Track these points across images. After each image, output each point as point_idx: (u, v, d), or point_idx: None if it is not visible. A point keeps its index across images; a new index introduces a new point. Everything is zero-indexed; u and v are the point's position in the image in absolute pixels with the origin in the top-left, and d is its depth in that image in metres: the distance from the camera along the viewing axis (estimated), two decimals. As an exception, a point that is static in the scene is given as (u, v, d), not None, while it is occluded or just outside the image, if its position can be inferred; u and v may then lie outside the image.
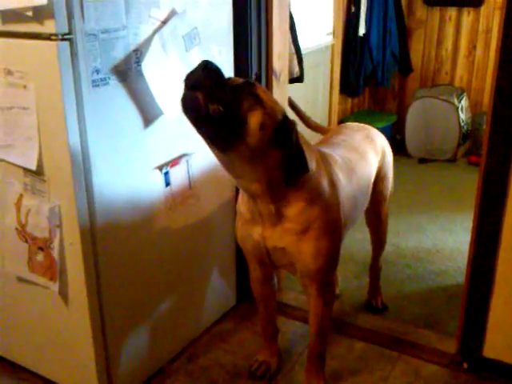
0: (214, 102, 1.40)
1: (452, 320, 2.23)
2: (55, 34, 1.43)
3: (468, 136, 4.37)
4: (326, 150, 1.86)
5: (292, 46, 3.04)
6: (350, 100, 4.44)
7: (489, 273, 1.87)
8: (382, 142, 2.16)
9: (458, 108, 4.19)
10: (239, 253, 2.17)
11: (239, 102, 1.43)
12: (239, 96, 1.43)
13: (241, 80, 1.50)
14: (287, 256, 1.70)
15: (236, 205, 1.80)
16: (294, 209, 1.62)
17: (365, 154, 2.01)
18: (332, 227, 1.69)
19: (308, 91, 3.69)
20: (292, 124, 1.54)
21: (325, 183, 1.66)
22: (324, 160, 1.72)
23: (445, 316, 2.35)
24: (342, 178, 1.78)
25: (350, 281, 2.63)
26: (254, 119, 1.45)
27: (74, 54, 1.48)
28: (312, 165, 1.61)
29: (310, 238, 1.65)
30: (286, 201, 1.61)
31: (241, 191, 1.71)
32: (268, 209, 1.62)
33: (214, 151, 1.55)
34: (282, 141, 1.52)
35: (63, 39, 1.45)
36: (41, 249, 1.69)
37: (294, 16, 3.01)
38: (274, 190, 1.58)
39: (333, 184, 1.70)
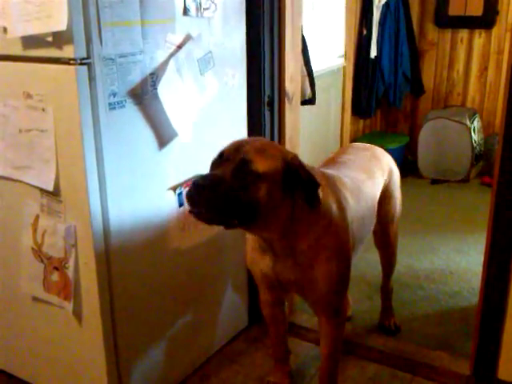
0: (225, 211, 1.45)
1: (466, 341, 2.21)
2: (74, 59, 1.47)
3: (481, 157, 4.37)
4: (332, 171, 1.87)
5: (304, 69, 3.08)
6: (361, 121, 4.46)
7: (502, 294, 1.86)
8: (388, 162, 2.17)
9: (470, 129, 4.19)
10: (251, 274, 2.18)
11: (244, 192, 1.45)
12: (241, 188, 1.45)
13: (234, 162, 1.48)
14: (298, 285, 1.71)
15: None
16: (307, 242, 1.62)
17: (371, 174, 2.01)
18: (342, 252, 1.70)
19: (320, 113, 3.72)
20: (296, 162, 1.53)
21: (334, 208, 1.67)
22: (331, 183, 1.73)
23: (458, 337, 2.32)
24: (350, 199, 1.78)
25: (362, 302, 2.61)
26: (262, 193, 1.47)
27: (91, 78, 1.52)
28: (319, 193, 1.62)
29: (321, 266, 1.65)
30: (298, 235, 1.61)
31: None
32: (281, 246, 1.63)
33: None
34: (294, 182, 1.52)
35: (81, 63, 1.49)
36: (56, 268, 1.71)
37: (306, 38, 3.05)
38: (288, 230, 1.59)
39: (341, 207, 1.71)
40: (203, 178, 1.46)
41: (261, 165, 1.46)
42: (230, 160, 1.48)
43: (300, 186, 1.53)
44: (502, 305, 1.87)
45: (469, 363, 2.03)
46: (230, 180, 1.44)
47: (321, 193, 1.58)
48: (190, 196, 1.46)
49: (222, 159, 1.51)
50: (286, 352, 2.03)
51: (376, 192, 2.03)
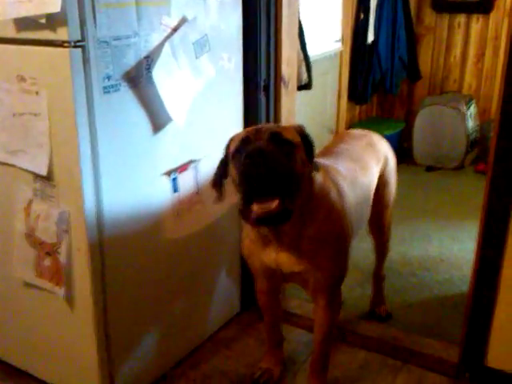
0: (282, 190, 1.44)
1: (456, 329, 2.21)
2: (68, 41, 1.45)
3: (476, 143, 4.37)
4: (327, 161, 1.87)
5: (301, 53, 3.06)
6: (357, 107, 4.44)
7: (493, 282, 1.87)
8: (384, 149, 2.16)
9: (466, 115, 4.18)
10: (244, 260, 2.18)
11: (288, 161, 1.46)
12: (285, 157, 1.46)
13: (264, 138, 1.48)
14: (302, 275, 1.71)
15: None
16: (313, 227, 1.63)
17: (366, 162, 2.01)
18: (343, 239, 1.71)
19: (316, 98, 3.70)
20: (304, 131, 1.60)
21: (334, 197, 1.68)
22: (327, 173, 1.74)
23: (449, 325, 2.34)
24: (346, 188, 1.79)
25: (353, 289, 2.62)
26: (299, 161, 1.50)
27: (85, 61, 1.49)
28: (319, 178, 1.63)
29: (325, 253, 1.66)
30: (307, 220, 1.61)
31: None
32: (291, 233, 1.62)
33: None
34: (308, 149, 1.57)
35: (75, 46, 1.46)
36: (48, 254, 1.70)
37: (302, 23, 3.02)
38: (302, 211, 1.59)
39: (340, 196, 1.72)
40: (253, 153, 1.41)
41: (289, 135, 1.52)
42: (257, 139, 1.48)
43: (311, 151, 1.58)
44: (493, 293, 1.88)
45: (458, 350, 2.05)
46: (276, 150, 1.44)
47: (319, 177, 1.61)
48: (253, 176, 1.40)
49: (248, 142, 1.49)
50: (280, 339, 2.04)
51: (371, 180, 2.03)
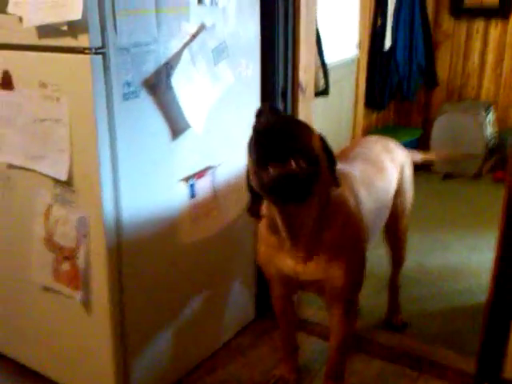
0: (298, 160, 1.36)
1: (474, 340, 2.19)
2: (89, 48, 1.46)
3: (494, 151, 4.31)
4: (343, 165, 1.84)
5: (318, 60, 3.05)
6: (374, 114, 4.42)
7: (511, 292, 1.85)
8: (401, 155, 2.14)
9: (484, 123, 4.14)
10: (259, 267, 2.18)
11: (310, 144, 1.40)
12: (306, 139, 1.40)
13: (282, 119, 1.44)
14: (319, 283, 1.68)
15: (259, 225, 1.75)
16: (331, 233, 1.60)
17: (383, 168, 1.99)
18: (360, 245, 1.69)
19: (333, 104, 3.69)
20: (322, 135, 1.55)
21: (351, 201, 1.66)
22: (344, 177, 1.71)
23: (467, 335, 2.31)
24: (362, 193, 1.77)
25: (369, 297, 2.60)
26: (319, 149, 1.46)
27: (106, 68, 1.51)
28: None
29: (342, 260, 1.63)
30: (325, 225, 1.59)
31: (267, 222, 1.66)
32: (310, 236, 1.59)
33: (284, 212, 1.51)
34: (328, 153, 1.53)
35: (96, 53, 1.48)
36: (67, 258, 1.71)
37: (319, 29, 3.02)
38: (321, 215, 1.56)
39: (357, 202, 1.70)
40: (268, 119, 1.34)
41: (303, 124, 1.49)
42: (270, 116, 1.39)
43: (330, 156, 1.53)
44: (511, 303, 1.85)
45: (475, 361, 2.02)
46: (294, 121, 1.43)
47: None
48: (268, 138, 1.32)
49: (261, 116, 1.41)
50: (295, 347, 2.03)
51: (389, 186, 2.01)
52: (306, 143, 1.40)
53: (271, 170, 1.35)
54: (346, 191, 1.66)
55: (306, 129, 1.46)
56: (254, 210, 1.50)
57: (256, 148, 1.36)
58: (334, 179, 1.54)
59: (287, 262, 1.67)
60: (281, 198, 1.46)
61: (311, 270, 1.64)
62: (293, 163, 1.34)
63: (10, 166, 1.77)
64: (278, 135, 1.33)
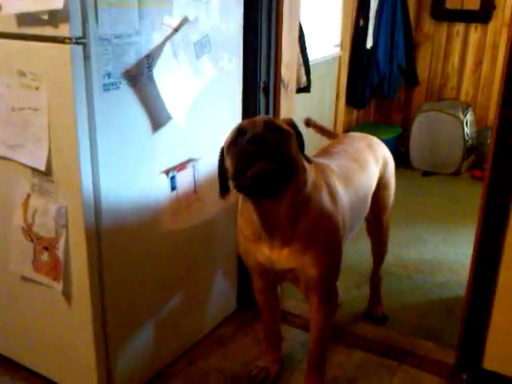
0: (274, 161, 1.46)
1: (452, 332, 2.23)
2: (69, 38, 1.46)
3: (472, 150, 4.39)
4: (322, 160, 1.89)
5: (300, 57, 3.07)
6: (355, 111, 4.47)
7: (490, 284, 1.88)
8: (383, 152, 2.18)
9: (463, 122, 4.21)
10: (241, 259, 2.19)
11: (286, 149, 1.51)
12: (283, 145, 1.50)
13: (260, 126, 1.51)
14: (294, 272, 1.72)
15: (237, 217, 1.80)
16: (305, 224, 1.64)
17: (364, 164, 2.02)
18: (334, 237, 1.71)
19: (314, 102, 3.72)
20: (293, 121, 1.64)
21: (325, 195, 1.69)
22: (321, 171, 1.75)
23: (445, 327, 2.35)
24: (339, 187, 1.80)
25: (350, 291, 2.63)
26: (295, 147, 1.56)
27: (86, 58, 1.50)
28: (311, 174, 1.64)
29: (315, 250, 1.67)
30: (300, 214, 1.63)
31: (244, 215, 1.72)
32: (284, 226, 1.63)
33: (259, 205, 1.60)
34: (300, 141, 1.62)
35: (77, 43, 1.47)
36: (46, 248, 1.71)
37: (303, 26, 3.04)
38: (295, 205, 1.61)
39: (332, 194, 1.73)
40: (255, 135, 1.45)
41: (282, 124, 1.56)
42: (252, 128, 1.50)
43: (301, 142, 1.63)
44: (490, 295, 1.89)
45: (454, 352, 2.05)
46: (271, 134, 1.48)
47: (311, 173, 1.64)
48: (251, 153, 1.44)
49: (243, 132, 1.51)
50: (278, 338, 2.05)
51: (369, 182, 2.04)
52: (285, 151, 1.50)
53: (251, 171, 1.46)
54: (322, 184, 1.69)
55: (285, 135, 1.54)
56: (223, 194, 1.65)
57: (239, 159, 1.48)
58: (305, 158, 1.63)
59: (263, 251, 1.70)
60: (256, 194, 1.57)
61: (285, 258, 1.68)
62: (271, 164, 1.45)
63: (-12, 156, 1.75)
64: (263, 152, 1.45)
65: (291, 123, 1.62)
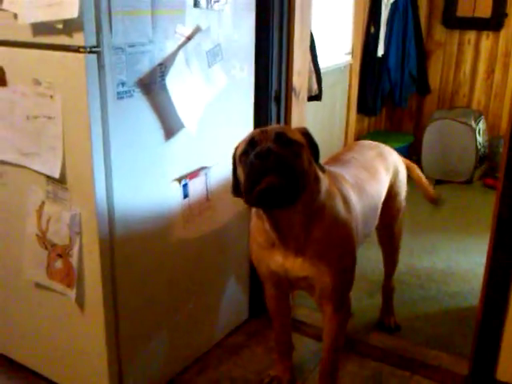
0: (282, 175, 1.47)
1: (465, 342, 2.21)
2: (83, 47, 1.48)
3: (485, 159, 4.36)
4: (335, 168, 1.88)
5: (311, 65, 3.08)
6: (366, 120, 4.46)
7: (503, 295, 1.86)
8: (394, 160, 2.17)
9: (475, 130, 4.18)
10: (253, 267, 2.19)
11: (295, 160, 1.51)
12: (292, 156, 1.50)
13: (271, 138, 1.52)
14: (307, 280, 1.71)
15: (250, 224, 1.80)
16: (319, 232, 1.63)
17: (375, 172, 2.02)
18: (349, 245, 1.71)
19: (325, 110, 3.72)
20: (307, 131, 1.64)
21: (339, 203, 1.69)
22: (334, 179, 1.75)
23: (458, 338, 2.33)
24: (353, 195, 1.79)
25: (362, 300, 2.62)
26: (306, 160, 1.54)
27: (100, 67, 1.52)
28: (325, 182, 1.64)
29: (329, 258, 1.66)
30: (314, 222, 1.62)
31: (257, 222, 1.72)
32: (298, 234, 1.63)
33: (272, 215, 1.61)
34: (313, 151, 1.61)
35: (91, 52, 1.49)
36: (59, 256, 1.72)
37: (313, 35, 3.05)
38: (309, 212, 1.61)
39: (346, 202, 1.73)
40: (259, 151, 1.46)
41: (293, 135, 1.55)
42: (263, 140, 1.51)
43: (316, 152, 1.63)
44: (503, 306, 1.87)
45: (467, 363, 2.03)
46: (281, 149, 1.48)
47: (325, 181, 1.64)
48: (260, 168, 1.46)
49: (254, 143, 1.52)
50: (290, 347, 2.04)
51: (380, 191, 2.04)
52: (294, 165, 1.49)
53: (260, 186, 1.47)
54: (335, 192, 1.69)
55: (295, 148, 1.53)
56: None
57: (250, 185, 1.49)
58: (319, 167, 1.63)
59: (277, 259, 1.70)
60: (265, 207, 1.58)
61: (299, 266, 1.67)
62: (278, 179, 1.46)
63: (3, 163, 1.78)
64: (270, 167, 1.46)
65: (305, 132, 1.62)
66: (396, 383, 2.03)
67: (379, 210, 2.06)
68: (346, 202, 1.72)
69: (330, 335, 1.80)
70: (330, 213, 1.65)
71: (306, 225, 1.62)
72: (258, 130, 1.61)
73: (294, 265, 1.68)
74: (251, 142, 1.53)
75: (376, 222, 2.08)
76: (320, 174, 1.62)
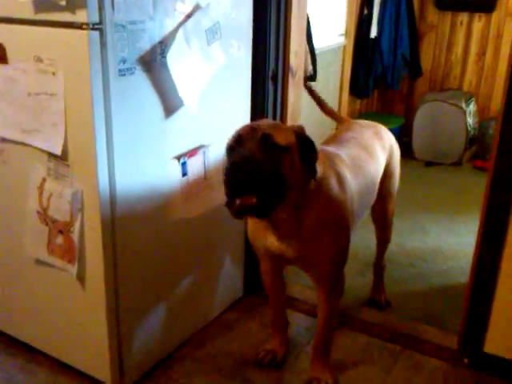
0: (256, 191, 1.48)
1: (454, 318, 2.28)
2: (86, 24, 1.48)
3: (475, 141, 4.42)
4: (332, 148, 1.91)
5: (306, 46, 3.09)
6: (358, 101, 4.49)
7: (492, 271, 1.92)
8: (390, 140, 2.21)
9: (465, 112, 4.23)
10: (248, 246, 2.23)
11: (274, 166, 1.49)
12: (272, 162, 1.49)
13: (256, 139, 1.52)
14: (303, 259, 1.76)
15: None
16: (312, 216, 1.66)
17: (373, 151, 2.06)
18: (342, 225, 1.75)
19: (318, 90, 3.72)
20: (303, 130, 1.61)
21: (334, 184, 1.72)
22: (330, 160, 1.78)
23: (447, 314, 2.40)
24: (349, 176, 1.83)
25: (354, 278, 2.67)
26: (288, 165, 1.53)
27: (103, 44, 1.52)
28: (319, 168, 1.65)
29: (323, 239, 1.70)
30: (305, 209, 1.65)
31: None
32: (289, 223, 1.66)
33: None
34: (306, 152, 1.59)
35: (94, 28, 1.49)
36: (60, 232, 1.74)
37: (309, 16, 3.05)
38: (298, 204, 1.63)
39: (341, 183, 1.76)
40: (237, 158, 1.47)
41: (281, 138, 1.53)
42: (249, 140, 1.52)
43: (304, 157, 1.58)
44: (492, 282, 1.93)
45: (456, 337, 2.10)
46: (260, 156, 1.48)
47: (319, 167, 1.63)
48: (234, 180, 1.48)
49: (240, 141, 1.54)
50: (285, 321, 2.09)
51: (377, 170, 2.08)
52: (272, 176, 1.49)
53: (237, 202, 1.51)
54: (329, 173, 1.71)
55: (278, 153, 1.51)
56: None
57: (227, 187, 1.51)
58: (312, 172, 1.60)
59: (272, 241, 1.74)
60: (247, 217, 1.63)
61: (293, 248, 1.72)
62: (253, 199, 1.48)
63: (4, 140, 1.78)
64: (244, 183, 1.47)
65: (298, 132, 1.60)
66: (387, 356, 2.10)
67: (376, 189, 2.10)
68: (341, 182, 1.76)
69: (325, 311, 1.85)
70: (322, 197, 1.67)
71: (296, 214, 1.65)
72: (248, 125, 1.61)
73: (289, 247, 1.72)
74: (238, 140, 1.55)
75: (373, 200, 2.12)
76: (317, 166, 1.61)
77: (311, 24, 3.15)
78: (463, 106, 4.23)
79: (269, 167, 1.48)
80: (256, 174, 1.46)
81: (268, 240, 1.75)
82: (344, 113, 4.18)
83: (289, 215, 1.65)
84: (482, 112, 4.52)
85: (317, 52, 3.32)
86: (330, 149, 1.90)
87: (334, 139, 2.08)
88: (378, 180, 2.10)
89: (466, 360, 2.05)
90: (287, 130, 1.59)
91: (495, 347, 1.99)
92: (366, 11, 4.10)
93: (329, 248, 1.72)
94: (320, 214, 1.68)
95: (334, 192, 1.71)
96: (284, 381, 1.98)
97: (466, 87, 4.59)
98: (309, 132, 1.65)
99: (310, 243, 1.70)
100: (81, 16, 1.48)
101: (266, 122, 1.63)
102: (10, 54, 1.66)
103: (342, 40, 3.99)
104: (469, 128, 4.28)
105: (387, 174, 2.17)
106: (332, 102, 4.04)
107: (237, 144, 1.54)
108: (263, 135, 1.51)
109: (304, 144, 1.59)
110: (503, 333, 1.97)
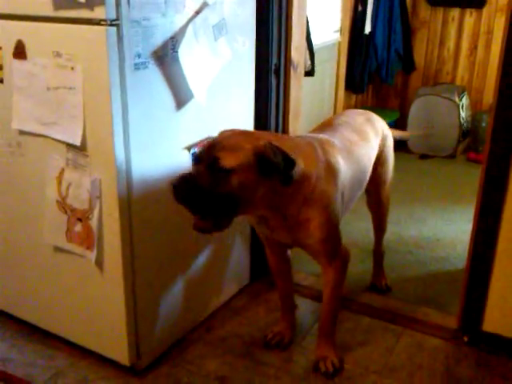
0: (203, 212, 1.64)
1: (453, 301, 2.37)
2: (105, 20, 1.56)
3: (468, 134, 4.52)
4: (324, 134, 1.99)
5: (305, 41, 3.17)
6: (354, 96, 4.57)
7: (489, 253, 2.01)
8: (382, 126, 2.29)
9: (458, 106, 4.34)
10: (254, 234, 2.32)
11: (216, 187, 1.59)
12: (213, 184, 1.59)
13: (206, 161, 1.61)
14: (297, 241, 1.87)
15: None
16: (295, 206, 1.76)
17: (365, 136, 2.14)
18: (330, 208, 1.82)
19: (315, 86, 3.83)
20: (266, 149, 1.61)
21: (320, 178, 1.77)
22: (321, 148, 1.84)
23: (446, 297, 2.49)
24: (341, 161, 1.89)
25: (355, 265, 2.73)
26: (235, 185, 1.59)
27: (119, 39, 1.60)
28: (302, 165, 1.72)
29: (311, 221, 1.79)
30: (287, 204, 1.75)
31: None
32: (274, 218, 1.79)
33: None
34: (269, 168, 1.62)
35: (111, 25, 1.57)
36: (79, 220, 1.81)
37: (307, 13, 3.14)
38: (275, 203, 1.73)
39: (331, 174, 1.82)
40: (180, 178, 1.60)
41: (229, 160, 1.58)
42: (203, 160, 1.63)
43: (275, 169, 1.63)
44: (489, 264, 2.03)
45: (456, 317, 2.20)
46: (204, 178, 1.59)
47: (302, 165, 1.70)
48: (175, 194, 1.61)
49: (195, 159, 1.67)
50: (292, 304, 2.18)
51: (370, 154, 2.15)
52: (211, 195, 1.59)
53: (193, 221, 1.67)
54: (315, 169, 1.76)
55: (224, 175, 1.58)
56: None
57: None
58: (285, 180, 1.65)
59: (265, 231, 1.90)
60: None
61: (285, 235, 1.85)
62: (202, 224, 1.66)
63: (22, 133, 1.86)
64: (184, 196, 1.62)
65: (257, 151, 1.60)
66: (390, 337, 2.19)
67: (369, 173, 2.18)
68: (331, 173, 1.82)
69: (329, 284, 1.94)
70: (307, 194, 1.75)
71: (278, 213, 1.77)
72: (207, 142, 1.68)
73: (281, 234, 1.85)
74: (195, 157, 1.68)
75: (365, 183, 2.19)
76: (296, 169, 1.65)
77: (308, 21, 3.23)
78: (456, 99, 4.34)
79: (207, 189, 1.58)
80: (192, 195, 1.59)
81: (263, 229, 1.91)
82: (340, 108, 4.27)
83: (272, 213, 1.77)
84: (474, 105, 4.63)
85: (314, 47, 3.41)
86: (322, 135, 1.97)
87: (327, 124, 2.16)
88: (371, 164, 2.17)
89: (465, 338, 2.15)
90: (244, 150, 1.61)
91: (493, 325, 2.09)
92: (360, 8, 4.19)
93: (317, 227, 1.80)
94: (305, 202, 1.76)
95: (318, 180, 1.76)
96: (292, 360, 2.07)
97: (458, 81, 4.70)
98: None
99: (298, 233, 1.82)
100: (99, 13, 1.56)
101: (225, 141, 1.64)
102: (29, 50, 1.74)
103: (337, 36, 4.08)
104: (462, 121, 4.38)
105: (381, 160, 2.25)
106: (328, 97, 4.13)
107: (195, 160, 1.67)
108: (211, 158, 1.60)
109: (265, 160, 1.61)
110: (501, 311, 2.06)
